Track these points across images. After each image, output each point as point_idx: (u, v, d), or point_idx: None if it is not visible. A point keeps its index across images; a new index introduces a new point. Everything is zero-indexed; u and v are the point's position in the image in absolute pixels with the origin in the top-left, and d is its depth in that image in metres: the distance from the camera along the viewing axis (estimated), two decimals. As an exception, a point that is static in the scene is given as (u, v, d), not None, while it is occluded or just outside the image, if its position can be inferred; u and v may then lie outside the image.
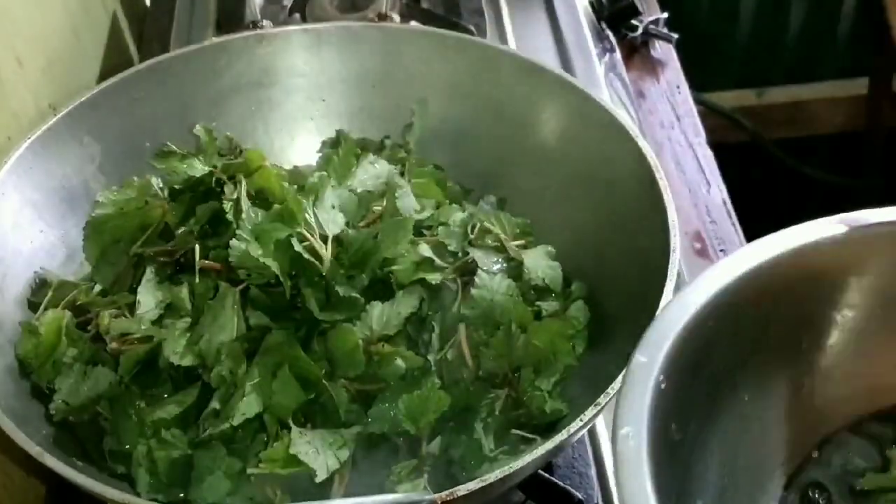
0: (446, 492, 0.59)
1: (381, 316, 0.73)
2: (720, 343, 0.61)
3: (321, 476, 0.65)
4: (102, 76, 1.20)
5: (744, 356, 0.63)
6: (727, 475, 0.63)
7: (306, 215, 0.73)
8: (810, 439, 0.66)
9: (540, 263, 0.79)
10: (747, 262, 0.62)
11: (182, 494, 0.69)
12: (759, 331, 0.64)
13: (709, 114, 2.01)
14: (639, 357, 0.57)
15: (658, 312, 0.60)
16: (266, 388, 0.69)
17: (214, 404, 0.69)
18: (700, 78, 1.74)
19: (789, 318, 0.65)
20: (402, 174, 0.84)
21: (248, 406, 0.68)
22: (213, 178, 0.76)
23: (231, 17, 1.20)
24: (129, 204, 0.78)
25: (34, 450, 0.62)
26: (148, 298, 0.74)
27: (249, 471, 0.66)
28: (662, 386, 0.56)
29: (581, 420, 0.63)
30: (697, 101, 1.35)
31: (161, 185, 0.80)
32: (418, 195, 0.82)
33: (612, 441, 0.53)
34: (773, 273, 0.62)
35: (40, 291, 0.78)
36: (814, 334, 0.65)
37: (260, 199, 0.76)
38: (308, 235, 0.72)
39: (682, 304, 0.60)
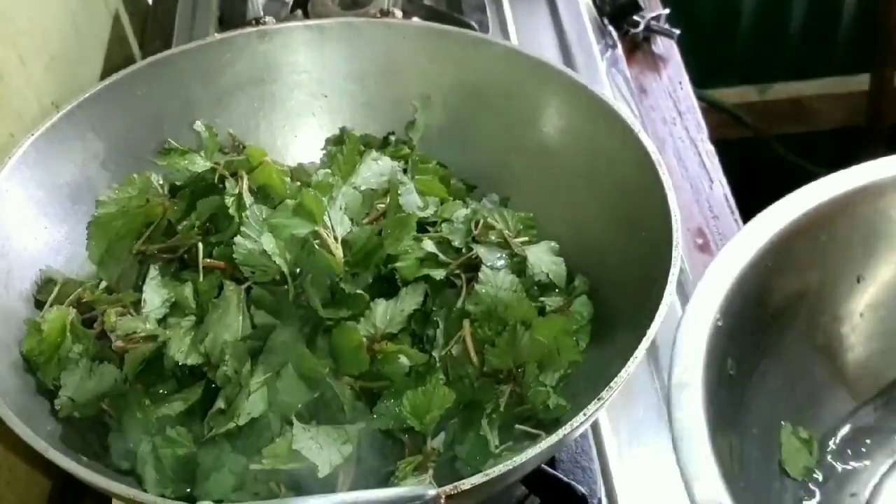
0: (450, 486, 0.59)
1: (384, 314, 0.73)
2: (778, 281, 0.61)
3: (324, 471, 0.65)
4: (105, 73, 1.20)
5: (802, 293, 0.63)
6: (783, 409, 0.63)
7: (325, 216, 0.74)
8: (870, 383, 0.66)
9: (543, 259, 0.79)
10: (806, 202, 0.62)
11: (189, 489, 0.69)
12: (817, 267, 0.64)
13: (711, 110, 2.01)
14: (698, 294, 0.57)
15: (720, 252, 0.61)
16: (271, 386, 0.69)
17: (220, 404, 0.69)
18: (703, 75, 1.74)
19: (846, 253, 0.64)
20: (405, 171, 0.84)
21: (253, 405, 0.68)
22: (217, 175, 0.76)
23: (233, 14, 1.20)
24: (130, 202, 0.78)
25: (39, 445, 0.62)
26: (153, 297, 0.74)
27: (252, 467, 0.67)
28: (719, 324, 0.56)
29: (584, 415, 0.63)
30: (700, 99, 1.35)
31: (161, 182, 0.80)
32: (422, 192, 0.82)
33: (669, 375, 0.54)
34: (831, 211, 0.62)
35: (45, 288, 0.78)
36: (871, 268, 0.65)
37: (261, 195, 0.76)
38: (324, 235, 0.73)
39: (741, 244, 0.60)
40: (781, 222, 0.62)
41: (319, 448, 0.66)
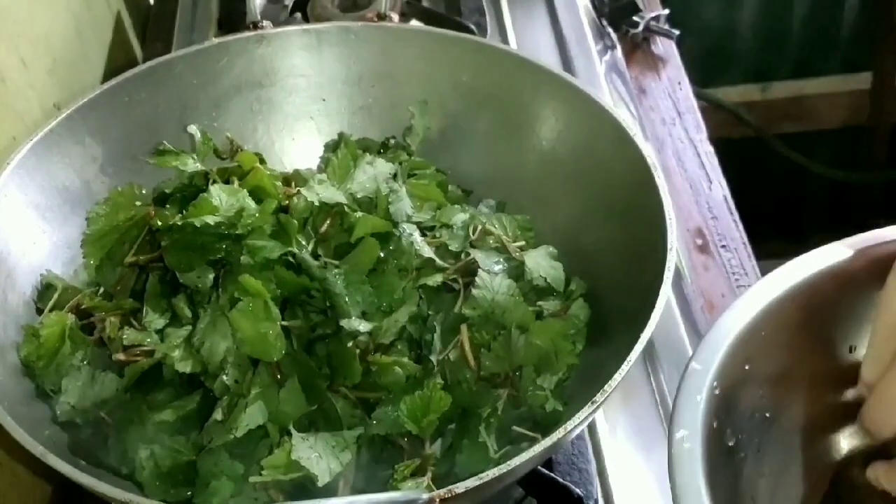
0: (444, 489, 0.59)
1: (377, 325, 0.73)
2: (773, 350, 0.62)
3: (323, 480, 0.66)
4: (107, 76, 1.20)
5: (797, 363, 0.64)
6: (781, 481, 0.64)
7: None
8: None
9: (542, 264, 0.79)
10: (799, 272, 0.63)
11: (189, 493, 0.69)
12: (811, 337, 0.64)
13: (712, 109, 2.01)
14: (694, 364, 0.58)
15: (715, 321, 0.61)
16: (270, 397, 0.69)
17: (217, 415, 0.69)
18: (704, 73, 1.75)
19: (839, 325, 0.65)
20: (394, 175, 0.84)
21: (251, 417, 0.68)
22: (210, 180, 0.77)
23: (232, 17, 1.21)
24: (118, 216, 0.79)
25: (37, 450, 0.62)
26: (153, 308, 0.75)
27: (252, 479, 0.67)
28: (716, 392, 0.57)
29: (578, 418, 0.63)
30: (701, 97, 1.35)
31: (145, 192, 0.81)
32: (420, 197, 0.82)
33: (668, 444, 0.54)
34: (821, 284, 0.63)
35: (45, 294, 0.78)
36: (863, 337, 0.65)
37: (254, 199, 0.76)
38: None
39: (736, 313, 0.61)
40: (778, 288, 0.63)
41: (318, 457, 0.67)
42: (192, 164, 0.79)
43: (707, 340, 0.59)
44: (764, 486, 0.63)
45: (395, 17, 1.03)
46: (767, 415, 0.63)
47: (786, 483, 0.65)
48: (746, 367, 0.60)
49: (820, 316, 0.64)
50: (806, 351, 0.64)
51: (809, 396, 0.65)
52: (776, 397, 0.63)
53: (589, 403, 0.64)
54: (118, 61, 1.27)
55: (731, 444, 0.60)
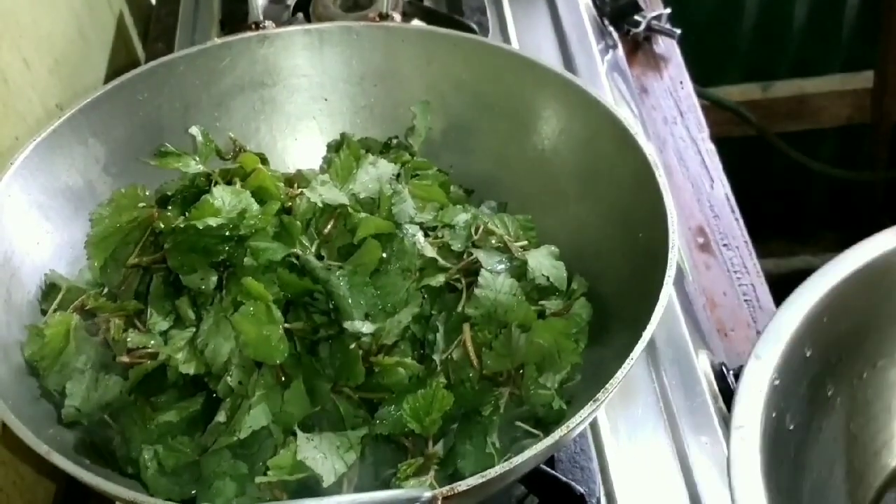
0: (446, 487, 0.59)
1: (380, 327, 0.73)
2: (834, 339, 0.62)
3: (328, 481, 0.66)
4: (109, 76, 1.21)
5: (858, 348, 0.64)
6: (835, 462, 0.64)
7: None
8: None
9: (544, 263, 0.79)
10: (856, 262, 0.63)
11: (193, 492, 0.69)
12: (872, 324, 0.65)
13: (713, 108, 2.01)
14: (755, 357, 0.58)
15: (776, 312, 0.62)
16: (274, 398, 0.70)
17: (220, 417, 0.70)
18: (706, 72, 1.75)
19: None
20: (397, 176, 0.84)
21: (254, 419, 0.68)
22: (213, 181, 0.77)
23: (234, 17, 1.21)
24: (121, 217, 0.79)
25: (41, 448, 0.62)
26: (157, 310, 0.75)
27: (258, 480, 0.67)
28: (776, 384, 0.57)
29: (580, 416, 0.63)
30: (703, 96, 1.35)
31: (148, 193, 0.81)
32: (422, 198, 0.82)
33: (729, 438, 0.55)
34: (882, 271, 0.63)
35: (50, 294, 0.78)
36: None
37: (256, 200, 0.76)
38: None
39: (795, 304, 0.61)
40: (835, 278, 0.64)
41: (324, 457, 0.67)
42: (193, 166, 0.79)
43: (768, 331, 0.60)
44: (820, 472, 0.63)
45: (397, 16, 1.03)
46: (829, 393, 0.63)
47: (838, 472, 0.65)
48: (808, 354, 0.61)
49: (880, 298, 0.64)
50: (869, 332, 0.64)
51: (870, 379, 0.65)
52: (837, 378, 0.63)
53: (591, 402, 0.64)
54: (120, 62, 1.28)
55: (791, 427, 0.60)
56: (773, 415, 0.58)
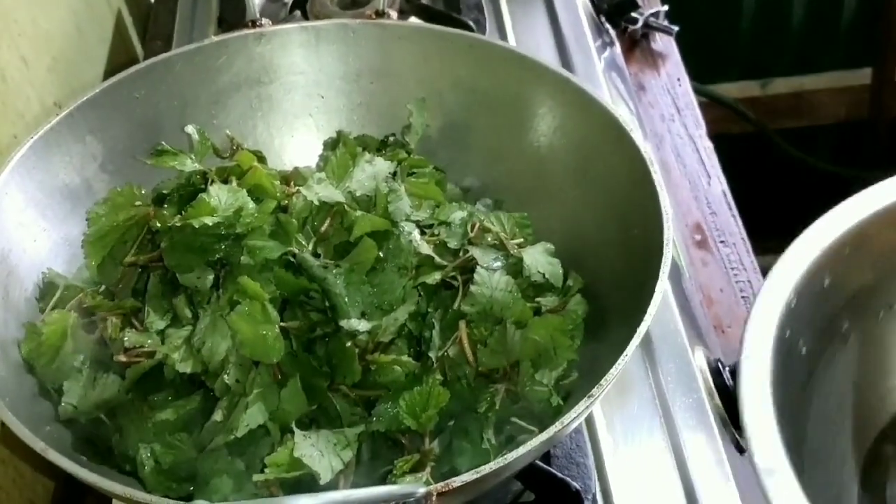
0: (441, 483, 0.60)
1: (377, 324, 0.74)
2: (854, 275, 0.62)
3: (325, 478, 0.66)
4: (107, 74, 1.21)
5: (877, 288, 0.64)
6: (844, 397, 0.64)
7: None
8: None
9: (540, 260, 0.79)
10: (885, 199, 0.63)
11: (191, 488, 0.70)
12: (893, 265, 0.64)
13: (712, 105, 2.01)
14: (774, 276, 0.58)
15: (800, 235, 0.62)
16: (271, 396, 0.70)
17: (217, 415, 0.70)
18: (704, 69, 1.75)
19: None
20: (393, 174, 0.84)
21: (251, 417, 0.68)
22: (209, 180, 0.77)
23: (232, 15, 1.21)
24: (118, 216, 0.79)
25: (38, 445, 0.63)
26: (154, 309, 0.75)
27: (255, 477, 0.67)
28: (792, 305, 0.57)
29: (574, 412, 0.63)
30: (700, 93, 1.35)
31: (144, 192, 0.81)
32: (418, 195, 0.82)
33: (739, 356, 0.54)
34: None
35: (48, 292, 0.79)
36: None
37: (252, 198, 0.76)
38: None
39: (820, 230, 0.61)
40: (863, 212, 0.63)
41: (320, 455, 0.67)
42: (190, 164, 0.79)
43: (789, 253, 0.60)
44: (827, 402, 0.63)
45: (394, 14, 1.03)
46: (844, 328, 0.63)
47: (845, 407, 0.65)
48: (826, 284, 0.60)
49: None
50: (889, 273, 0.64)
51: (886, 320, 0.65)
52: (853, 314, 0.63)
53: (586, 397, 0.64)
54: (118, 59, 1.28)
55: (803, 352, 0.60)
56: (787, 334, 0.58)
